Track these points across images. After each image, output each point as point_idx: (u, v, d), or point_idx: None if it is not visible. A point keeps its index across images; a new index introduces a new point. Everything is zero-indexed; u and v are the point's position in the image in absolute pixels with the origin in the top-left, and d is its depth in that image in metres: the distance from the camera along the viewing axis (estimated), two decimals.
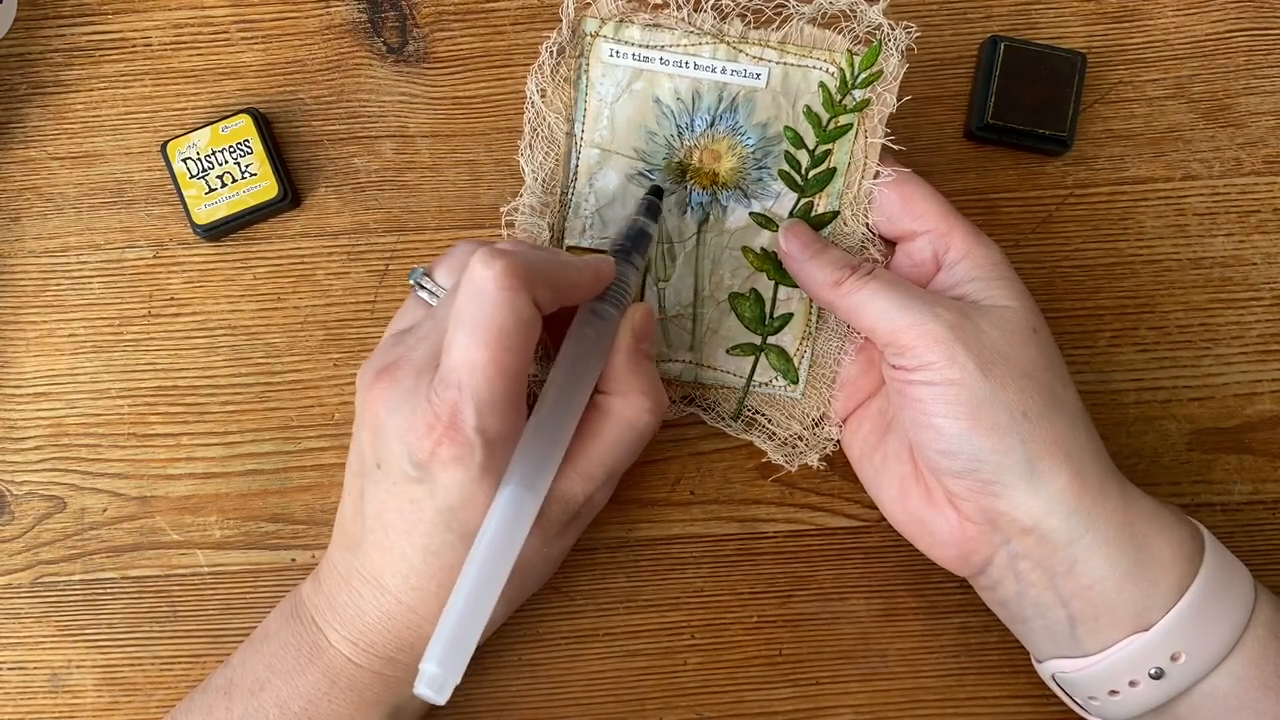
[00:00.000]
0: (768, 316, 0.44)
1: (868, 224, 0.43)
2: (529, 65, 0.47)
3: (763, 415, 0.45)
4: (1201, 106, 0.48)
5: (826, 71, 0.42)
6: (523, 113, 0.46)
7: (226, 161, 0.46)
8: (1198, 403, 0.47)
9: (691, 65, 0.42)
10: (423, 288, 0.41)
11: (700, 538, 0.46)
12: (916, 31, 0.41)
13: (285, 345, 0.47)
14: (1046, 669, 0.41)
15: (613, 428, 0.39)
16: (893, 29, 0.41)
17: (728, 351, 0.45)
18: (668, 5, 0.42)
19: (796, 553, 0.46)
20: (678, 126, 0.43)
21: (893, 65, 0.41)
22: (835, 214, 0.43)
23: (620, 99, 0.43)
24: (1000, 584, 0.40)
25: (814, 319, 0.44)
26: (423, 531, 0.37)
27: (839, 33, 0.42)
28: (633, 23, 0.42)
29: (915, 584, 0.46)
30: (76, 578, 0.46)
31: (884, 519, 0.45)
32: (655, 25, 0.42)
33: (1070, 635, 0.39)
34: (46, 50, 0.48)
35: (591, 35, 0.42)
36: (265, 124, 0.47)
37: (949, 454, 0.38)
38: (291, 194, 0.46)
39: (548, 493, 0.38)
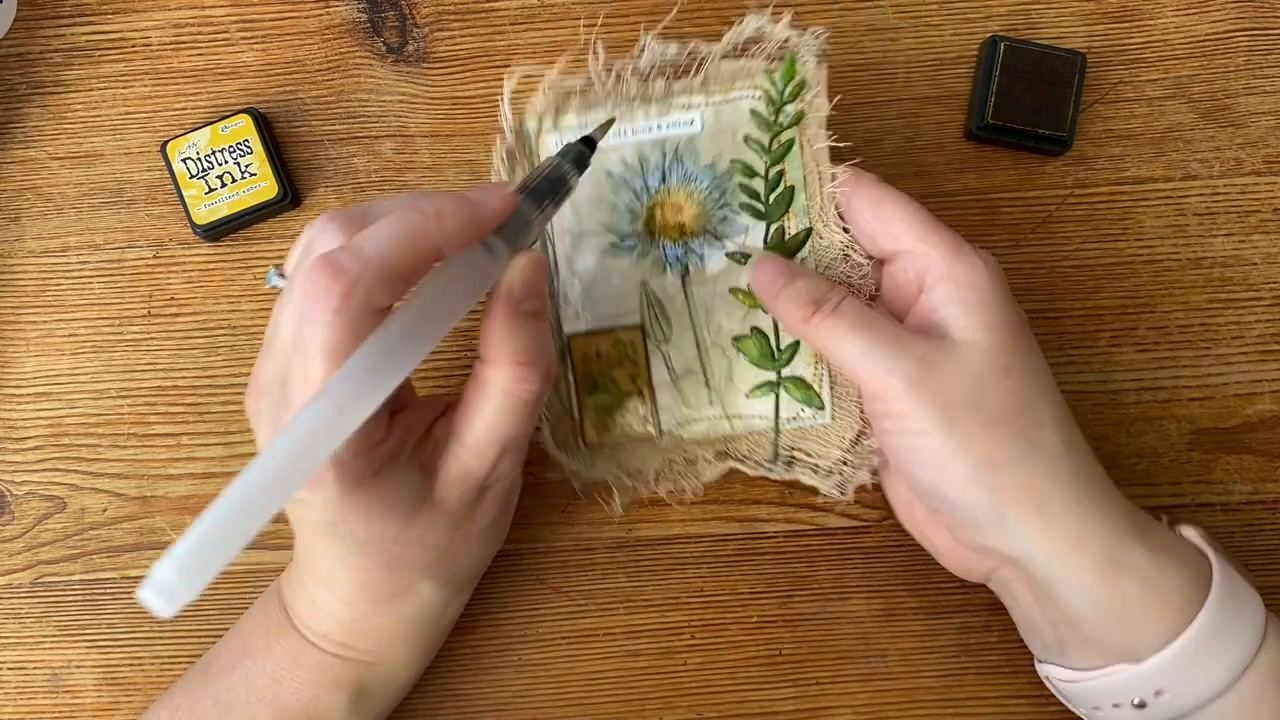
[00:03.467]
0: (775, 350, 0.44)
1: (844, 229, 0.42)
2: (529, 65, 0.47)
3: (801, 450, 0.44)
4: (1201, 106, 0.48)
5: (755, 98, 0.43)
6: (503, 82, 0.46)
7: (226, 161, 0.46)
8: (1198, 403, 0.47)
9: (629, 132, 0.43)
10: (278, 289, 0.39)
11: (700, 538, 0.46)
12: (825, 32, 0.42)
13: None
14: (1042, 670, 0.42)
15: (493, 400, 0.36)
16: (800, 37, 0.42)
17: (747, 396, 0.44)
18: (592, 84, 0.43)
19: (796, 553, 0.46)
20: (633, 191, 0.43)
21: (812, 70, 0.42)
22: (809, 231, 0.43)
23: None
24: (1000, 595, 0.42)
25: None
26: (321, 543, 0.38)
27: (753, 58, 0.42)
28: (568, 109, 0.43)
29: (915, 584, 0.46)
30: (76, 578, 0.46)
31: (884, 519, 0.45)
32: (587, 107, 0.43)
33: (1060, 652, 0.40)
34: (46, 50, 0.48)
35: (534, 134, 0.43)
36: (265, 124, 0.47)
37: (923, 495, 0.39)
38: (291, 194, 0.46)
39: (442, 474, 0.37)
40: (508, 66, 0.47)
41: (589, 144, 0.40)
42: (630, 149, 0.43)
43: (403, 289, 0.34)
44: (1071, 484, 0.37)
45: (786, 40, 0.42)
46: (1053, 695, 0.43)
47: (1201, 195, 0.47)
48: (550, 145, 0.43)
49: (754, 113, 0.43)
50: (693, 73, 0.43)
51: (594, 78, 0.43)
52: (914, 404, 0.37)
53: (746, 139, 0.43)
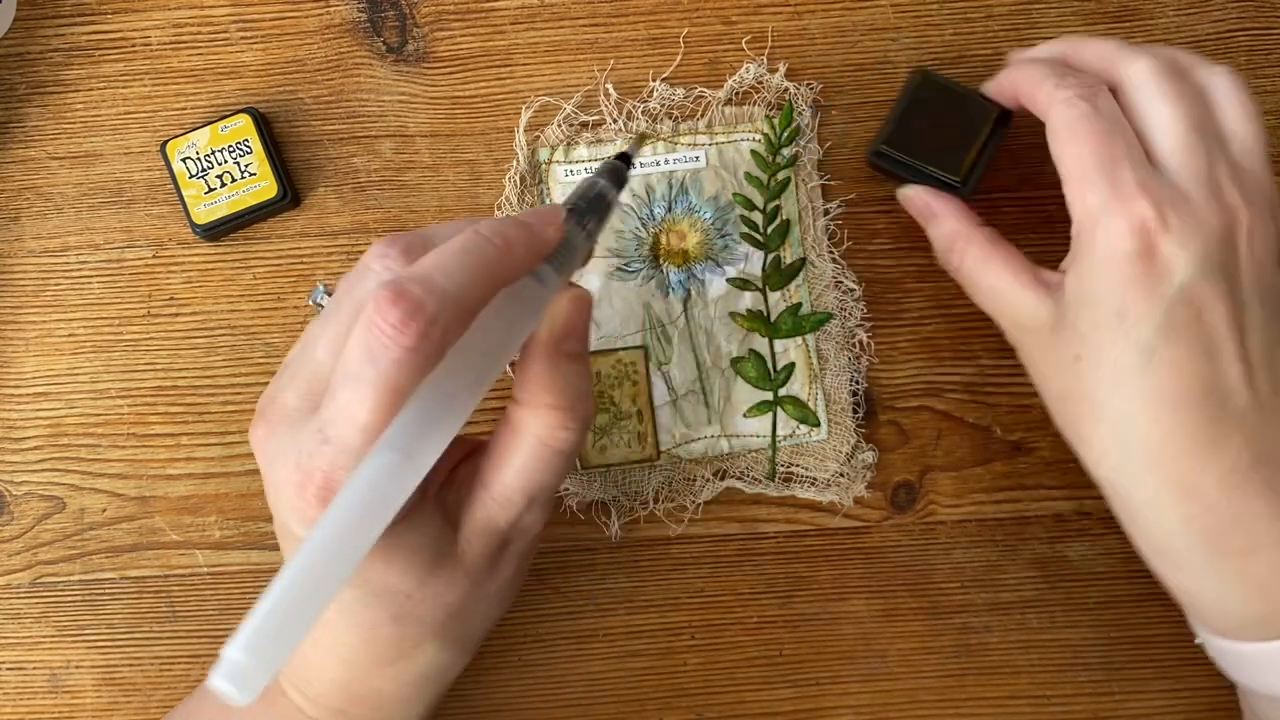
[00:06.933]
0: (772, 371, 0.45)
1: (835, 259, 0.46)
2: (529, 65, 0.47)
3: (798, 466, 0.46)
4: None
5: (754, 140, 0.46)
6: (521, 112, 0.47)
7: (226, 161, 0.46)
8: None
9: (639, 165, 0.46)
10: (321, 308, 0.37)
11: (700, 538, 0.46)
12: (818, 86, 0.47)
13: (285, 345, 0.47)
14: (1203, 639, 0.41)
15: (525, 446, 0.34)
16: (797, 89, 0.46)
17: (745, 415, 0.45)
18: (604, 121, 0.46)
19: (797, 553, 0.46)
20: (640, 219, 0.46)
21: (807, 118, 0.46)
22: (803, 260, 0.46)
23: None
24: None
25: (815, 361, 0.46)
26: None
27: (754, 105, 0.47)
28: (578, 143, 0.46)
29: (916, 584, 0.46)
30: (76, 578, 0.46)
31: (885, 519, 0.45)
32: (598, 141, 0.46)
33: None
34: (46, 50, 0.48)
35: (545, 163, 0.46)
36: (265, 124, 0.47)
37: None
38: (291, 194, 0.46)
39: (465, 524, 0.35)
40: (508, 66, 0.47)
41: (625, 160, 0.39)
42: (638, 181, 0.46)
43: (463, 329, 0.31)
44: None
45: (785, 90, 0.46)
46: (1052, 696, 0.43)
47: None
48: (559, 175, 0.46)
49: (754, 153, 0.46)
50: (698, 115, 0.47)
51: (606, 115, 0.46)
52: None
53: (747, 176, 0.46)
